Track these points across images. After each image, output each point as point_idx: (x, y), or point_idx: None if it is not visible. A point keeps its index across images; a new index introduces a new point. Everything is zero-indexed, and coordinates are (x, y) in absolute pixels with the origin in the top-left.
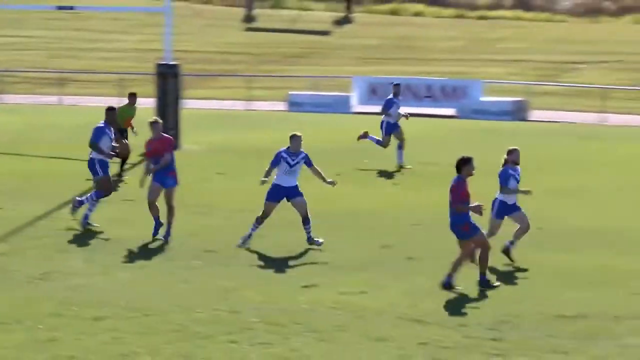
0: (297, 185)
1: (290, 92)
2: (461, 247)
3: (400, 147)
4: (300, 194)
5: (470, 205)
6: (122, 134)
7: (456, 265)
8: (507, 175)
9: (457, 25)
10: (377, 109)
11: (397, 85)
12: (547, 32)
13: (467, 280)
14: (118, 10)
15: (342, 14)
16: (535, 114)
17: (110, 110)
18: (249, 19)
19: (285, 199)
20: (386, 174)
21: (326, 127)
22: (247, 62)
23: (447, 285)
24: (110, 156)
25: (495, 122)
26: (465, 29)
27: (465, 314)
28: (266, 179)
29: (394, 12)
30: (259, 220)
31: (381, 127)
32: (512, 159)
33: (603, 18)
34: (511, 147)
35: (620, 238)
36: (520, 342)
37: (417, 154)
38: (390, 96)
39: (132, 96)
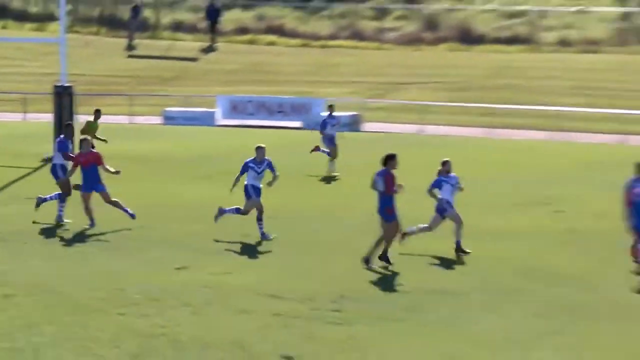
0: (261, 187)
1: (165, 109)
2: (383, 230)
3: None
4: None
5: (397, 187)
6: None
7: (376, 245)
8: (438, 183)
9: (303, 53)
10: (237, 122)
11: (331, 105)
12: (377, 59)
13: (309, 258)
14: (20, 41)
15: (207, 44)
16: (367, 126)
17: (67, 126)
18: (130, 47)
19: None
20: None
21: (195, 137)
22: (130, 84)
23: (367, 261)
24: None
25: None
26: (310, 56)
27: (314, 289)
28: (234, 187)
29: (251, 42)
30: (241, 213)
31: (324, 142)
32: (446, 169)
33: (423, 46)
34: (444, 159)
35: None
36: (359, 312)
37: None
38: (326, 115)
39: (97, 112)
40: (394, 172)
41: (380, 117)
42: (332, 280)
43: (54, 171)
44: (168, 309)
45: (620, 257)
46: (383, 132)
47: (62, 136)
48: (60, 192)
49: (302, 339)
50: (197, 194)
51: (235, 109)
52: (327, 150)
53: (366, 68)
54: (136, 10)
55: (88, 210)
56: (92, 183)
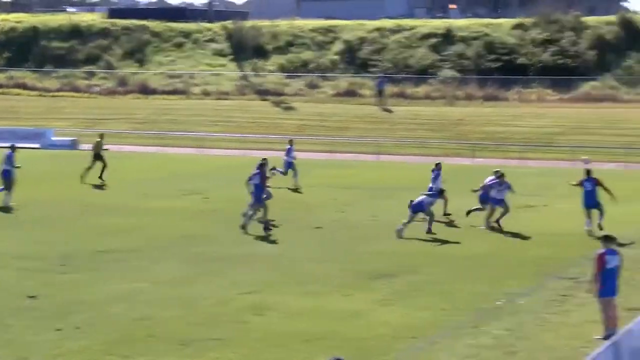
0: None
1: None
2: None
3: (295, 174)
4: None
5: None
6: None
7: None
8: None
9: (40, 100)
10: None
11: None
12: (88, 103)
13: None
14: None
15: None
16: (82, 146)
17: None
18: None
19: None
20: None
21: None
22: None
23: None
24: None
25: (60, 150)
26: (45, 101)
27: (44, 251)
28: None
29: (4, 93)
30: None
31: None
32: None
33: (118, 96)
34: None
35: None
36: (77, 266)
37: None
38: (288, 147)
39: None
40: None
41: (90, 141)
42: (58, 245)
43: (5, 175)
44: None
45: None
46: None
47: (10, 151)
48: (3, 187)
49: (41, 284)
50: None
51: None
52: (283, 171)
53: (81, 109)
54: None
55: None
56: None
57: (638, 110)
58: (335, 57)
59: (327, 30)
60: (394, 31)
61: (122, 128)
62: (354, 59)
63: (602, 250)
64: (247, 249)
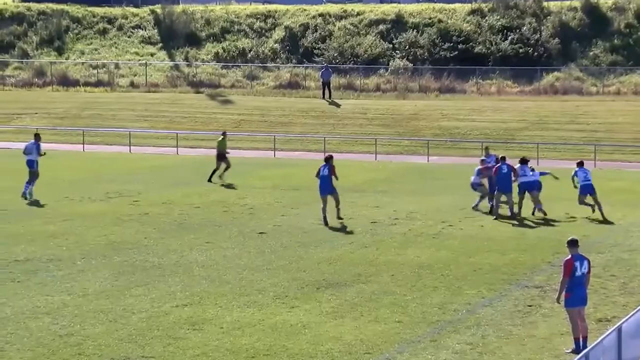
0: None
1: None
2: None
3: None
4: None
5: None
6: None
7: None
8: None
9: None
10: None
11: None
12: (1, 97)
13: None
14: None
15: None
16: None
17: None
18: None
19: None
20: None
21: None
22: None
23: None
24: None
25: None
26: None
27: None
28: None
29: None
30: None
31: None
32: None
33: (34, 88)
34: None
35: None
36: None
37: None
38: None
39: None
40: None
41: (5, 138)
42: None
43: None
44: None
45: (178, 230)
46: (9, 148)
47: None
48: None
49: None
50: None
51: None
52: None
53: None
54: None
55: None
56: None
57: (605, 103)
58: (276, 45)
59: (267, 15)
60: (340, 17)
61: (40, 124)
62: (297, 47)
63: (569, 256)
64: (182, 257)
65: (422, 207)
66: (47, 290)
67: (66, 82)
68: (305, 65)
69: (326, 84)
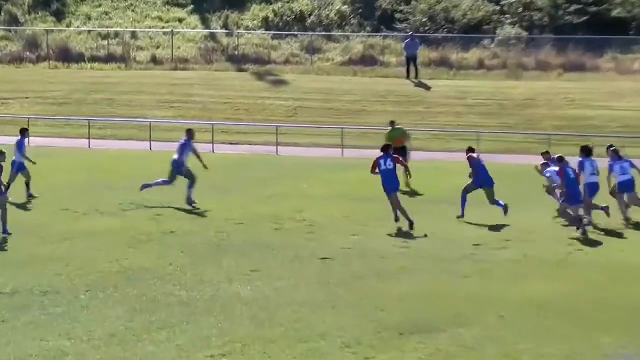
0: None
1: None
2: None
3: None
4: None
5: None
6: None
7: None
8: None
9: None
10: None
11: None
12: None
13: None
14: None
15: None
16: None
17: None
18: None
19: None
20: None
21: None
22: None
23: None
24: None
25: None
26: None
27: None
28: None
29: None
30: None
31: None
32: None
33: (25, 64)
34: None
35: None
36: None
37: None
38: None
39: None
40: None
41: None
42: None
43: None
44: None
45: (213, 254)
46: None
47: None
48: None
49: None
50: None
51: None
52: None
53: None
54: None
55: None
56: None
57: None
58: (345, 7)
59: None
60: None
61: (32, 111)
62: (372, 10)
63: None
64: (218, 290)
65: (541, 223)
66: (41, 333)
67: (67, 56)
68: (383, 34)
69: (411, 59)
